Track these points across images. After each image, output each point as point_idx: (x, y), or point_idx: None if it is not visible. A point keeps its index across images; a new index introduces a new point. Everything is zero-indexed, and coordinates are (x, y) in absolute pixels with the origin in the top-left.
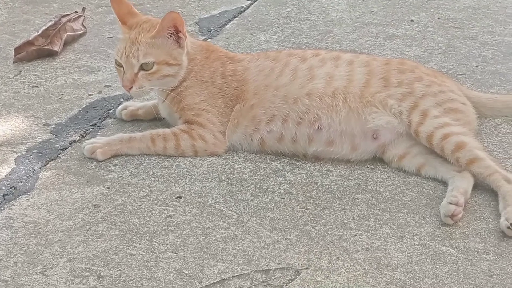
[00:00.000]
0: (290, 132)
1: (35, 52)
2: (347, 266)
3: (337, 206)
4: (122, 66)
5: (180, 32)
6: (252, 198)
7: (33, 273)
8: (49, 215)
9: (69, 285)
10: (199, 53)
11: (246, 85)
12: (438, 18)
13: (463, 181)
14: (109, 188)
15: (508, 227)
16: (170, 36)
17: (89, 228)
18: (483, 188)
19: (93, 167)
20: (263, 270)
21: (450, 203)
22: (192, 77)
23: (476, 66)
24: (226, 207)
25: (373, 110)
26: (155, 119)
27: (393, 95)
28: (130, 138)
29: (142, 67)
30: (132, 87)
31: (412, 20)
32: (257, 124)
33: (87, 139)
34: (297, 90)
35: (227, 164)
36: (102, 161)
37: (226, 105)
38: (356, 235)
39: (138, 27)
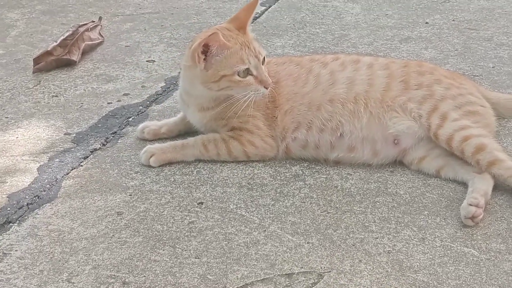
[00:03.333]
0: (314, 139)
1: (53, 62)
2: (370, 269)
3: (358, 209)
4: (248, 75)
5: None
6: (273, 202)
7: (59, 280)
8: (73, 223)
9: None
10: None
11: (280, 88)
12: (453, 20)
13: (483, 182)
14: (131, 195)
15: None
16: None
17: (113, 235)
18: (504, 189)
19: (115, 175)
20: (286, 274)
21: (470, 204)
22: None
23: (493, 67)
24: (248, 212)
25: (393, 115)
26: (178, 136)
27: (413, 98)
28: (183, 145)
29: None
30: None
31: (427, 22)
32: (285, 132)
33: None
34: (320, 96)
35: (247, 169)
36: (155, 167)
37: (267, 107)
38: (377, 238)
39: (232, 37)
